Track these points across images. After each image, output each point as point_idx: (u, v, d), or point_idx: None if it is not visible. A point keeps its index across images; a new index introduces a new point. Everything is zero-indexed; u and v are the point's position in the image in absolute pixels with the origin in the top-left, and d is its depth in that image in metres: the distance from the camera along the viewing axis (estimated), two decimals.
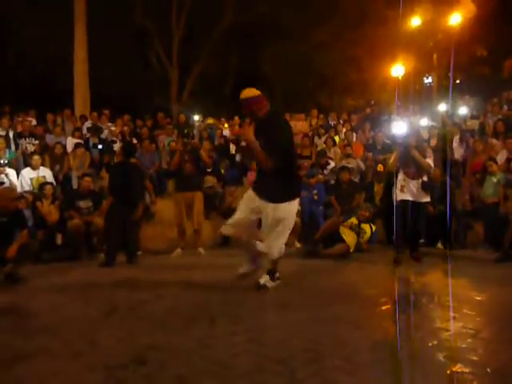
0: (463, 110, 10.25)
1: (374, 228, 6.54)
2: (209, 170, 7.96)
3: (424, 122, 9.50)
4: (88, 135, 8.98)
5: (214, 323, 3.01)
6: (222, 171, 8.91)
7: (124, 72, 15.00)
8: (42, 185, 6.71)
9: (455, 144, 8.48)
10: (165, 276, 4.85)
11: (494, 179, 6.73)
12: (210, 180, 7.89)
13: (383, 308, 3.34)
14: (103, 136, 9.10)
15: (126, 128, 9.82)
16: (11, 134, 8.17)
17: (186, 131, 7.20)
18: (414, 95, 12.59)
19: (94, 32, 12.23)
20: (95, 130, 8.96)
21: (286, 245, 3.93)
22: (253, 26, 16.14)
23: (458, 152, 8.42)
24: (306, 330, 2.81)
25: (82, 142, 8.47)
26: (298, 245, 6.87)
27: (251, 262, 4.09)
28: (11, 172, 7.03)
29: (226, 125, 10.89)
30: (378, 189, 7.58)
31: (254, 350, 2.45)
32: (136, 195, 5.99)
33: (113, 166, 6.78)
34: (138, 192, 6.07)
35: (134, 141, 9.30)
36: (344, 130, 10.18)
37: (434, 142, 8.24)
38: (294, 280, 4.38)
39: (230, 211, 7.90)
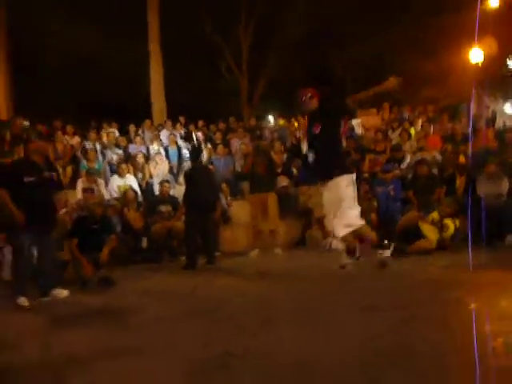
0: None
1: (457, 223, 6.21)
2: (279, 171, 8.04)
3: (509, 108, 8.85)
4: (166, 144, 9.43)
5: (296, 322, 3.04)
6: (295, 171, 8.93)
7: (196, 82, 15.66)
8: (125, 192, 7.16)
9: None
10: (243, 276, 4.97)
11: None
12: (283, 180, 7.96)
13: (469, 308, 3.19)
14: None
15: (200, 133, 10.21)
16: (98, 147, 8.81)
17: (257, 133, 7.35)
18: (496, 81, 11.77)
19: (167, 48, 12.98)
20: (187, 137, 9.46)
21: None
22: (322, 29, 16.04)
23: None
24: (391, 330, 2.75)
25: (161, 150, 8.95)
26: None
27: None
28: (100, 181, 7.56)
29: (295, 124, 10.87)
30: (460, 182, 7.18)
31: (336, 349, 2.45)
32: (210, 197, 6.16)
33: (185, 172, 7.05)
34: (211, 194, 6.24)
35: (209, 145, 9.68)
36: (420, 121, 9.76)
37: None
38: (376, 279, 4.30)
39: (306, 211, 8.05)
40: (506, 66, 16.50)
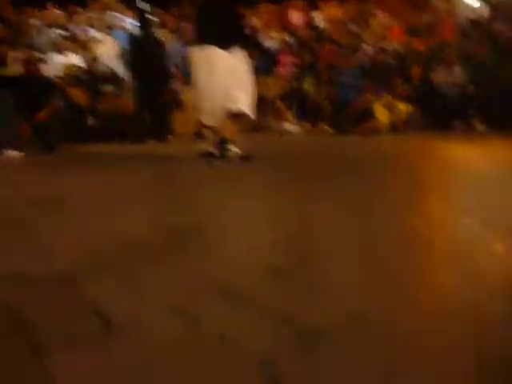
0: None
1: (409, 108, 6.23)
2: None
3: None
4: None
5: None
6: None
7: None
8: (68, 69, 6.68)
9: None
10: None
11: None
12: None
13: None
14: None
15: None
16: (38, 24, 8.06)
17: None
18: None
19: None
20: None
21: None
22: None
23: None
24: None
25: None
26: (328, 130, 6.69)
27: None
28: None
29: None
30: (416, 71, 7.13)
31: None
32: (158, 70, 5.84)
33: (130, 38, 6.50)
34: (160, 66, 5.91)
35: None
36: (381, 14, 9.44)
37: None
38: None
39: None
40: None
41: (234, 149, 3.75)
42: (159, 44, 6.27)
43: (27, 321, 1.06)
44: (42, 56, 6.96)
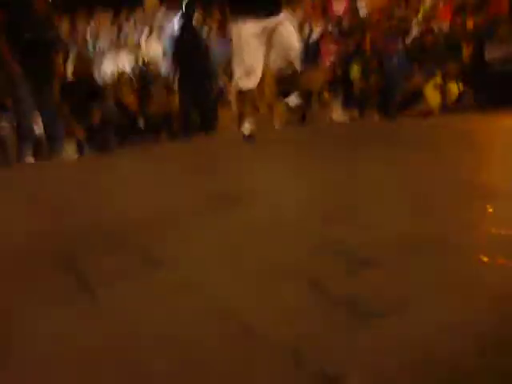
0: None
1: (461, 87, 5.98)
2: None
3: None
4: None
5: None
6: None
7: None
8: (119, 75, 6.94)
9: None
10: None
11: None
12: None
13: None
14: None
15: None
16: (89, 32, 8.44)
17: None
18: None
19: None
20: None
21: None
22: None
23: None
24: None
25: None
26: (377, 117, 6.56)
27: None
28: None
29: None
30: (467, 50, 6.83)
31: None
32: (201, 64, 5.95)
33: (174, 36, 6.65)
34: (203, 60, 6.02)
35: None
36: None
37: None
38: None
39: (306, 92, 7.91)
40: None
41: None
42: (202, 41, 6.38)
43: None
44: (93, 60, 7.31)
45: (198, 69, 5.85)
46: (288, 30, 3.87)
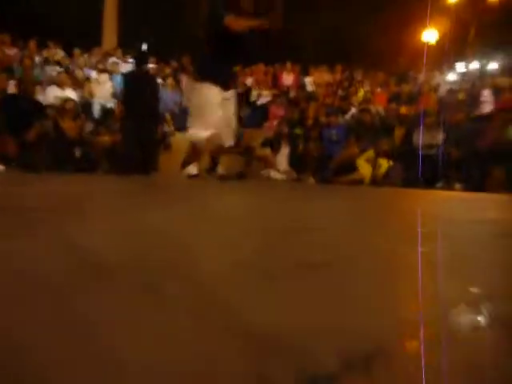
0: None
1: (391, 163, 6.45)
2: None
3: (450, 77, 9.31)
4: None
5: None
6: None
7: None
8: (64, 101, 6.80)
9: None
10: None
11: None
12: None
13: None
14: None
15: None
16: (38, 60, 8.33)
17: None
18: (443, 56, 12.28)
19: None
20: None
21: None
22: None
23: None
24: None
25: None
26: (312, 180, 6.86)
27: None
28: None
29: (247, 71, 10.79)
30: (399, 132, 7.46)
31: None
32: (151, 105, 6.01)
33: (125, 74, 6.77)
34: (153, 102, 6.09)
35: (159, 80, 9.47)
36: (369, 82, 10.03)
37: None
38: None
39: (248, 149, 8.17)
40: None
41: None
42: (153, 84, 6.48)
43: None
44: (37, 82, 7.15)
45: (144, 110, 5.90)
46: (232, 107, 4.32)
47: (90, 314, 0.79)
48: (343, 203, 3.36)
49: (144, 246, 1.37)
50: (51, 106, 6.87)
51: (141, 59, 6.23)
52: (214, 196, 3.40)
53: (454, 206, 3.38)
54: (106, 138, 6.44)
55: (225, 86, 4.15)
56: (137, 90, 5.84)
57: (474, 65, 10.40)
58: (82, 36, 11.92)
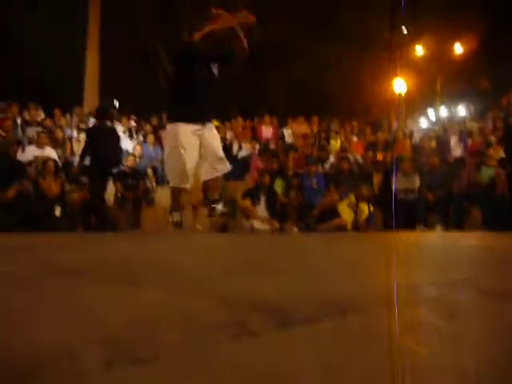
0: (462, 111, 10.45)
1: (371, 208, 6.54)
2: None
3: (423, 124, 9.67)
4: None
5: None
6: None
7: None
8: (44, 161, 6.83)
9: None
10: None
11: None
12: None
13: None
14: None
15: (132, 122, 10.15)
16: (19, 121, 8.41)
17: None
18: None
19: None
20: None
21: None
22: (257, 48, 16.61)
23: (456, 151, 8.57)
24: None
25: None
26: (295, 229, 6.88)
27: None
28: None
29: (228, 126, 11.03)
30: (377, 179, 7.62)
31: None
32: (112, 157, 6.11)
33: (89, 129, 6.89)
34: (114, 154, 6.20)
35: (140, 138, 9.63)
36: (345, 132, 10.33)
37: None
38: None
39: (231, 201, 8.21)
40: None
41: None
42: (113, 134, 6.57)
43: None
44: (17, 142, 7.17)
45: (106, 162, 6.00)
46: (213, 133, 4.23)
47: None
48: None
49: None
50: (31, 165, 6.89)
51: (102, 114, 6.39)
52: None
53: None
54: (77, 195, 6.43)
55: (198, 118, 4.01)
56: (98, 143, 5.95)
57: (444, 112, 10.88)
58: (63, 95, 12.18)
